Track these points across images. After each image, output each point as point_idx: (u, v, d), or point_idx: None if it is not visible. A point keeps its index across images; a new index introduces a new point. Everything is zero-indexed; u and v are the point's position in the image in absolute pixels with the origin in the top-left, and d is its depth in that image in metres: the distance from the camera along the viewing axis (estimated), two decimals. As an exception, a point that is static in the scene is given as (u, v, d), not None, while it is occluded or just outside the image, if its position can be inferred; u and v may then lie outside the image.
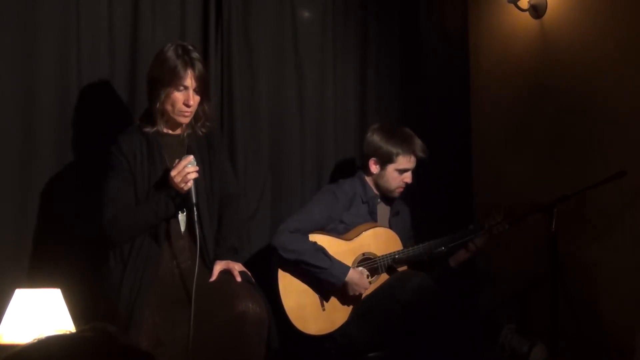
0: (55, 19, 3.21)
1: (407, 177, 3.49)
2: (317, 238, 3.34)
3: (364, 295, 3.36)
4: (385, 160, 3.49)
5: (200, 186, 2.92)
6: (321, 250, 3.30)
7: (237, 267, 2.92)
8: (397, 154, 3.46)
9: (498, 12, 4.14)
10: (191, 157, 2.81)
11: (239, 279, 2.87)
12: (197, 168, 2.80)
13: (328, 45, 3.94)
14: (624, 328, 3.35)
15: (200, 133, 2.98)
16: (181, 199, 2.83)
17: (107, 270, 2.85)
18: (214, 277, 2.87)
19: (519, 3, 3.93)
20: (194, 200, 2.80)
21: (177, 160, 2.81)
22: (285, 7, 3.82)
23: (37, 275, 3.05)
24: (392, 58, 4.15)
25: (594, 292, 3.61)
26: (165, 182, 2.83)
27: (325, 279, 3.28)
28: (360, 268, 3.37)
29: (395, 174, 3.48)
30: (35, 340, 0.91)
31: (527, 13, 3.94)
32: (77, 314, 2.71)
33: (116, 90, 3.34)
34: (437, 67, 4.27)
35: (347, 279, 3.28)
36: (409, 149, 3.46)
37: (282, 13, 3.81)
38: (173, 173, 2.78)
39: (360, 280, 3.32)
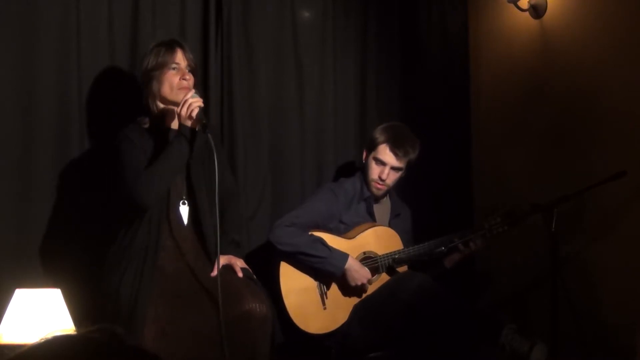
0: (56, 19, 3.20)
1: (383, 173, 3.45)
2: (319, 235, 3.34)
3: (364, 295, 3.36)
4: (370, 147, 3.52)
5: (201, 183, 2.94)
6: (319, 241, 3.30)
7: (238, 263, 2.94)
8: (378, 142, 3.47)
9: (498, 12, 4.14)
10: (193, 91, 2.88)
11: (240, 274, 2.89)
12: (200, 99, 2.86)
13: (328, 45, 3.94)
14: (624, 328, 3.35)
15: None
16: (191, 134, 2.86)
17: (108, 265, 2.86)
18: (215, 272, 2.87)
19: (519, 3, 3.93)
20: (203, 120, 2.84)
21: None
22: (285, 7, 3.82)
23: (37, 275, 3.05)
24: (392, 58, 4.15)
25: (594, 292, 3.62)
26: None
27: (324, 269, 3.27)
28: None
29: (373, 164, 3.47)
30: (42, 341, 0.90)
31: (527, 13, 3.94)
32: (77, 314, 2.71)
33: (116, 90, 3.34)
34: (437, 67, 4.27)
35: (346, 266, 3.27)
36: (388, 140, 3.45)
37: (282, 13, 3.81)
38: (178, 109, 2.84)
39: (361, 269, 3.31)
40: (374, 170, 3.47)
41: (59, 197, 3.17)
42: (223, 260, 2.92)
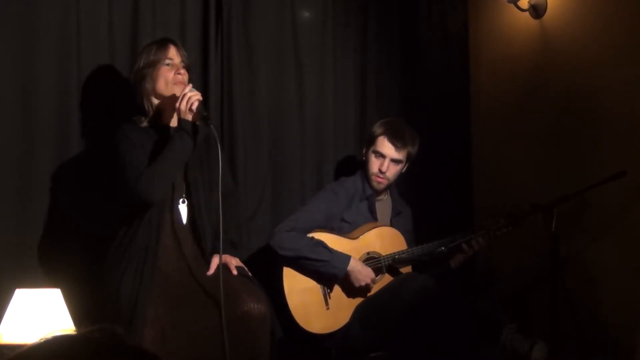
0: (56, 19, 3.20)
1: (383, 165, 3.45)
2: (321, 236, 3.34)
3: (369, 294, 3.36)
4: (369, 141, 3.53)
5: (198, 181, 2.93)
6: (320, 244, 3.29)
7: (233, 262, 2.93)
8: (376, 134, 3.48)
9: (498, 12, 4.14)
10: (190, 85, 2.87)
11: (234, 272, 2.88)
12: (198, 92, 2.85)
13: (328, 45, 3.94)
14: (624, 328, 3.35)
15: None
16: (193, 127, 2.84)
17: (108, 265, 2.85)
18: (211, 271, 2.88)
19: (519, 3, 3.93)
20: (204, 113, 2.83)
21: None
22: (285, 7, 3.82)
23: (37, 275, 3.05)
24: (392, 58, 4.16)
25: (594, 292, 3.62)
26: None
27: (327, 272, 3.27)
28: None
29: (373, 158, 3.48)
30: (42, 341, 0.90)
31: (527, 13, 3.94)
32: (77, 313, 2.71)
33: (116, 90, 3.34)
34: (437, 67, 4.27)
35: (349, 268, 3.27)
36: (387, 132, 3.46)
37: (282, 13, 3.81)
38: (177, 103, 2.82)
39: (364, 269, 3.31)
40: (374, 164, 3.47)
41: (59, 197, 3.17)
42: (218, 259, 2.92)
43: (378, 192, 3.55)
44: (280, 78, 3.81)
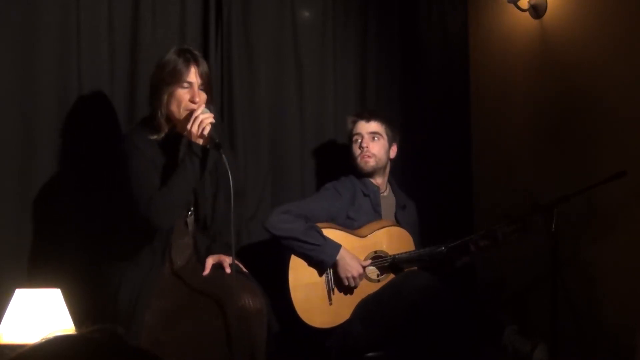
0: (56, 19, 3.20)
1: (363, 142, 3.52)
2: (329, 232, 3.35)
3: (355, 290, 3.35)
4: (349, 137, 3.61)
5: (208, 193, 2.93)
6: (314, 229, 3.30)
7: (227, 260, 2.92)
8: (348, 124, 3.61)
9: (498, 12, 4.14)
10: (203, 106, 2.80)
11: (228, 270, 2.86)
12: (211, 114, 2.78)
13: (328, 45, 3.94)
14: (624, 328, 3.35)
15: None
16: (203, 153, 2.80)
17: (108, 266, 2.85)
18: (206, 272, 2.88)
19: (519, 3, 3.93)
20: (216, 140, 2.76)
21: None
22: (285, 7, 3.82)
23: (37, 275, 3.05)
24: (392, 58, 4.15)
25: (594, 292, 3.61)
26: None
27: (316, 257, 3.28)
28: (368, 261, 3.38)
29: (353, 143, 3.57)
30: (43, 341, 0.90)
31: (527, 13, 3.94)
32: (77, 313, 2.71)
33: (116, 91, 3.34)
34: (437, 67, 4.27)
35: (338, 257, 3.28)
36: (352, 117, 3.61)
37: (282, 13, 3.81)
38: (189, 125, 2.75)
39: (352, 261, 3.31)
40: (355, 146, 3.55)
41: (59, 197, 3.17)
42: (213, 259, 2.92)
43: (371, 174, 3.55)
44: (280, 78, 3.81)
